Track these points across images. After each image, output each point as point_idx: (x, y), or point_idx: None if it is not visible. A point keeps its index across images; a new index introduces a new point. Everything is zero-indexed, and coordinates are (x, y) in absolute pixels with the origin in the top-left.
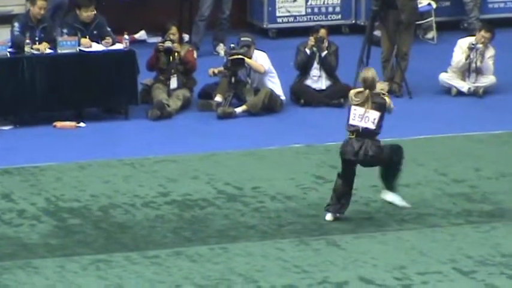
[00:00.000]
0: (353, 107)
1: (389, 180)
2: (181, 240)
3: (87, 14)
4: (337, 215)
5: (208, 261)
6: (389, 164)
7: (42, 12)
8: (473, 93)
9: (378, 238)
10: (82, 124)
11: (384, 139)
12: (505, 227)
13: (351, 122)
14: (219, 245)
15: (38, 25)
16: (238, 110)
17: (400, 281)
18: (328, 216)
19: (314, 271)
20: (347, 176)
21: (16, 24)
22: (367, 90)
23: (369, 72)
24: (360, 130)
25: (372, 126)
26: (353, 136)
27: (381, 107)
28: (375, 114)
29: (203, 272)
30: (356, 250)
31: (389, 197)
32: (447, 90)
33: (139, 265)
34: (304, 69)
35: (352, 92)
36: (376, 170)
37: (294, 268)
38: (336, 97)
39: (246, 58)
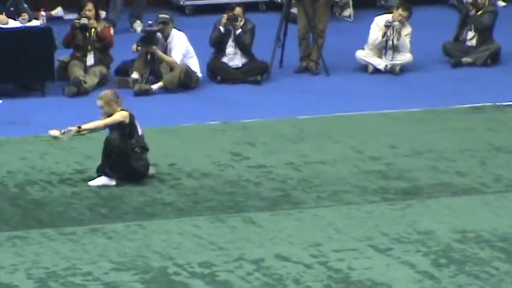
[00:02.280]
0: None
1: None
2: (97, 217)
3: None
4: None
5: (124, 238)
6: None
7: None
8: (389, 71)
9: (294, 215)
10: None
11: (302, 116)
12: (421, 204)
13: None
14: (135, 222)
15: None
16: (155, 86)
17: (316, 258)
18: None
19: (230, 248)
20: None
21: None
22: None
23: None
24: None
25: None
26: None
27: None
28: None
29: (119, 249)
30: (272, 227)
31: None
32: (364, 67)
33: (55, 242)
34: (219, 47)
35: None
36: (294, 149)
37: (210, 245)
38: (252, 74)
39: (157, 52)
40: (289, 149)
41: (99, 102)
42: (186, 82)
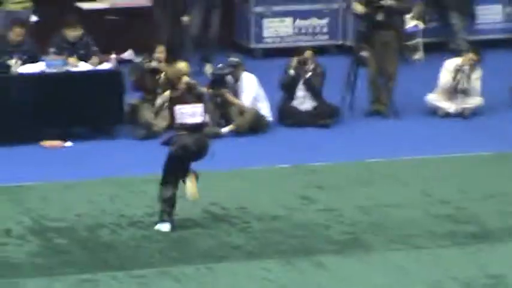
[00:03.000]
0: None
1: None
2: (167, 260)
3: (74, 33)
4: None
5: (193, 281)
6: None
7: (19, 38)
8: (459, 115)
9: (364, 259)
10: (69, 143)
11: (372, 159)
12: (491, 248)
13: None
14: (204, 265)
15: (17, 48)
16: (225, 130)
17: None
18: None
19: None
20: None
21: None
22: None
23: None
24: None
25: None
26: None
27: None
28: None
29: None
30: (341, 271)
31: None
32: (434, 111)
33: (125, 284)
34: (289, 90)
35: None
36: (363, 192)
37: None
38: (321, 117)
39: (227, 95)
40: (358, 192)
41: None
42: (256, 126)
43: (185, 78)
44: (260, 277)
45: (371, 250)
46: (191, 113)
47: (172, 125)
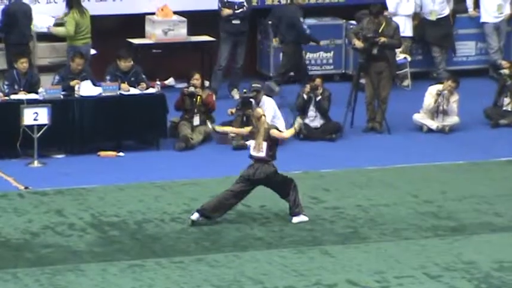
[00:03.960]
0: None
1: (290, 207)
2: (201, 249)
3: (126, 64)
4: (200, 218)
5: (223, 266)
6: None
7: (80, 67)
8: (440, 131)
9: (362, 248)
10: (121, 154)
11: (369, 167)
12: (466, 239)
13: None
14: (232, 253)
15: (77, 76)
16: (249, 142)
17: (380, 283)
18: (195, 216)
19: (309, 275)
20: (242, 192)
21: (57, 77)
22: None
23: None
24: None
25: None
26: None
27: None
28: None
29: (219, 275)
30: (344, 258)
31: (295, 219)
32: (419, 127)
33: (167, 269)
34: (302, 111)
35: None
36: (362, 194)
37: (293, 272)
38: (328, 133)
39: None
40: (357, 194)
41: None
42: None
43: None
44: (278, 263)
45: (368, 241)
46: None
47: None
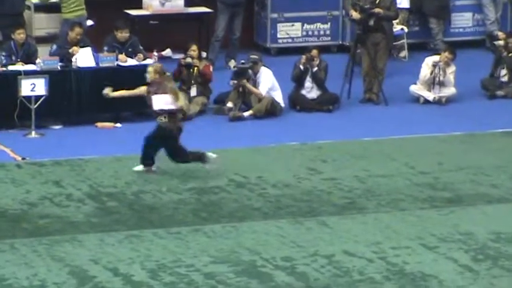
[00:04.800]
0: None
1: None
2: (199, 220)
3: (123, 35)
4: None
5: (220, 237)
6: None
7: (78, 37)
8: (437, 102)
9: (359, 219)
10: (118, 125)
11: (366, 138)
12: (462, 210)
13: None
14: (229, 224)
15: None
16: (246, 114)
17: (377, 254)
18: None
19: (307, 246)
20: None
21: (54, 47)
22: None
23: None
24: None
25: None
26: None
27: None
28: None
29: (216, 246)
30: (341, 229)
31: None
32: (416, 99)
33: (164, 239)
34: (298, 82)
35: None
36: (359, 165)
37: (290, 243)
38: (325, 104)
39: (248, 85)
40: (354, 165)
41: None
42: (271, 111)
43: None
44: (275, 233)
45: (365, 212)
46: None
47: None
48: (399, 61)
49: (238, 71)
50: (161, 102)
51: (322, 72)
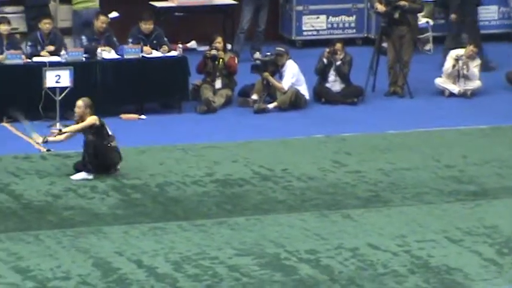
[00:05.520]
0: None
1: None
2: (223, 212)
3: (147, 26)
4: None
5: (245, 230)
6: None
7: (104, 25)
8: (462, 95)
9: (384, 212)
10: (143, 116)
11: (390, 131)
12: (487, 204)
13: None
14: (253, 216)
15: (101, 36)
16: (271, 106)
17: (402, 247)
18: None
19: (331, 238)
20: None
21: (83, 37)
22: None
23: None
24: None
25: None
26: None
27: None
28: None
29: (241, 238)
30: (366, 222)
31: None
32: (441, 92)
33: (189, 232)
34: (322, 75)
35: None
36: (383, 157)
37: (314, 236)
38: (349, 97)
39: (269, 78)
40: (379, 158)
41: (79, 105)
42: (296, 103)
43: None
44: (299, 226)
45: (390, 205)
46: None
47: None
48: (424, 54)
49: (257, 64)
50: None
51: (346, 66)
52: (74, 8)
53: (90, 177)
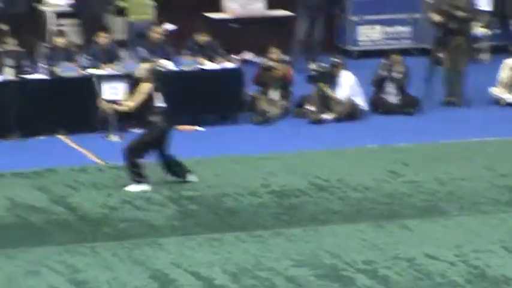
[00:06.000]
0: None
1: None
2: (280, 223)
3: (203, 38)
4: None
5: (301, 240)
6: None
7: (160, 37)
8: None
9: (441, 222)
10: (200, 128)
11: (446, 141)
12: None
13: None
14: (310, 227)
15: (157, 47)
16: (327, 116)
17: (459, 257)
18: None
19: (388, 249)
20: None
21: (140, 49)
22: None
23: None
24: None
25: None
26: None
27: None
28: None
29: (298, 249)
30: (422, 232)
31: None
32: (497, 101)
33: (246, 243)
34: (378, 87)
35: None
36: (440, 167)
37: (371, 246)
38: (406, 107)
39: (325, 88)
40: (435, 168)
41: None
42: (352, 113)
43: None
44: (356, 237)
45: (446, 215)
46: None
47: None
48: (480, 63)
49: (312, 75)
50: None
51: (403, 76)
52: (129, 20)
53: (148, 188)
